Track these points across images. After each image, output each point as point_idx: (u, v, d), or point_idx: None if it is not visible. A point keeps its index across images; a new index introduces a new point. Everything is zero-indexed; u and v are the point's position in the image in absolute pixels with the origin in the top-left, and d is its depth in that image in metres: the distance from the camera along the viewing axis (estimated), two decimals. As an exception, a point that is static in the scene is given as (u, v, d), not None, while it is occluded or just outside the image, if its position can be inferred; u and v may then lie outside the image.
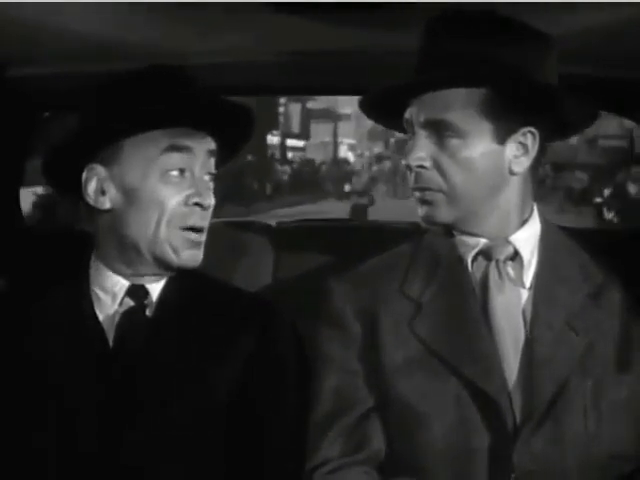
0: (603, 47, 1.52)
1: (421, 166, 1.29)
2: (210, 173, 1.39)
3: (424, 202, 1.31)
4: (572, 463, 1.23)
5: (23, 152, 2.02)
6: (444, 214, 1.31)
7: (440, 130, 1.28)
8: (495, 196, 1.31)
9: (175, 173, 1.33)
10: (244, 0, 1.34)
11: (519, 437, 1.23)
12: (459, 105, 1.27)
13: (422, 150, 1.29)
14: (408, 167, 1.31)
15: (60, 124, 2.04)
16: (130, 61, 1.58)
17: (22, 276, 1.69)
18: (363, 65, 1.70)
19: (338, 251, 1.77)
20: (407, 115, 1.32)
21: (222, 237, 1.40)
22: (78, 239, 1.51)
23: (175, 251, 1.34)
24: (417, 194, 1.32)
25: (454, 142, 1.27)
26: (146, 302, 1.37)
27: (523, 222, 1.33)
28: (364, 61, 1.67)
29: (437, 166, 1.29)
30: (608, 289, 1.32)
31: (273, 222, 2.01)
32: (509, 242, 1.32)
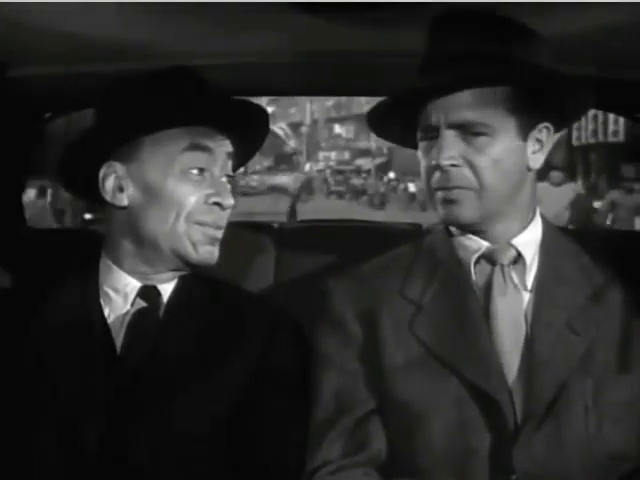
0: (603, 47, 1.49)
1: (453, 165, 1.25)
2: (228, 175, 1.37)
3: (449, 202, 1.27)
4: (573, 463, 1.20)
5: (25, 152, 1.98)
6: (470, 213, 1.27)
7: (468, 129, 1.24)
8: (517, 194, 1.28)
9: (195, 171, 1.31)
10: (249, 0, 1.31)
11: (519, 437, 1.19)
12: (486, 103, 1.23)
13: (453, 149, 1.24)
14: (437, 167, 1.26)
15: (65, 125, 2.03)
16: (130, 61, 1.58)
17: (27, 275, 1.64)
18: (373, 65, 1.67)
19: (339, 251, 1.74)
20: (427, 119, 1.27)
21: (223, 237, 1.39)
22: (84, 238, 1.50)
23: (194, 246, 1.31)
24: (440, 194, 1.27)
25: (483, 140, 1.24)
26: (158, 303, 1.34)
27: (527, 224, 1.31)
28: (372, 61, 1.64)
29: (469, 164, 1.25)
30: (609, 290, 1.28)
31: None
32: (511, 245, 1.29)
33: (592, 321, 1.26)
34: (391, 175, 30.95)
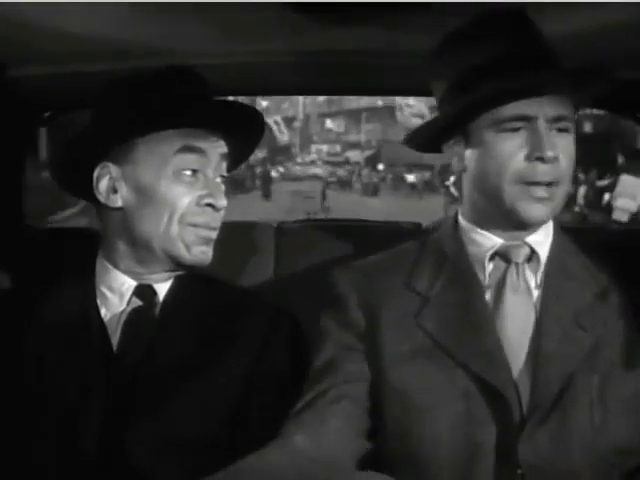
0: (604, 47, 1.47)
1: (555, 158, 1.22)
2: (222, 176, 1.34)
3: (540, 199, 1.23)
4: (578, 458, 1.18)
5: (23, 152, 1.95)
6: (552, 210, 1.25)
7: (558, 123, 1.22)
8: None
9: (188, 173, 1.29)
10: (249, 0, 1.29)
11: (525, 431, 1.17)
12: (568, 100, 1.24)
13: (554, 143, 1.22)
14: (540, 159, 1.21)
15: (67, 124, 2.03)
16: (130, 61, 1.56)
17: (24, 275, 1.62)
18: (373, 65, 1.65)
19: (339, 250, 1.73)
20: (518, 109, 1.22)
21: (223, 236, 1.39)
22: (82, 237, 1.50)
23: (187, 247, 1.30)
24: (533, 189, 1.23)
25: (566, 134, 1.23)
26: (154, 301, 1.33)
27: None
28: (372, 61, 1.62)
29: (561, 158, 1.23)
30: (614, 288, 1.26)
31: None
32: (526, 243, 1.27)
33: (599, 317, 1.24)
34: (380, 167, 32.36)
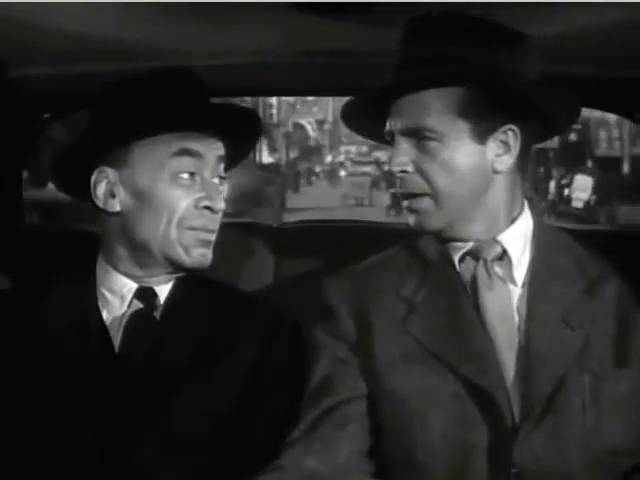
0: (603, 47, 1.44)
1: (404, 171, 1.22)
2: (220, 177, 1.32)
3: (413, 211, 1.24)
4: (572, 459, 1.15)
5: (24, 153, 1.94)
6: (434, 220, 1.24)
7: (419, 135, 1.21)
8: (482, 196, 1.24)
9: (185, 176, 1.27)
10: (248, 0, 1.27)
11: (519, 433, 1.15)
12: (436, 108, 1.20)
13: (403, 155, 1.22)
14: (391, 173, 1.24)
15: (65, 126, 2.04)
16: (130, 61, 1.55)
17: (25, 276, 1.60)
18: (373, 65, 1.68)
19: (338, 251, 1.76)
20: (387, 125, 1.25)
21: (223, 238, 1.40)
22: (82, 238, 1.51)
23: (186, 250, 1.28)
24: (405, 203, 1.25)
25: (433, 145, 1.20)
26: (155, 304, 1.32)
27: (512, 220, 1.26)
28: (372, 61, 1.61)
29: (420, 170, 1.22)
30: (603, 284, 1.24)
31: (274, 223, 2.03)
32: (497, 241, 1.25)
33: (587, 315, 1.21)
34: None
